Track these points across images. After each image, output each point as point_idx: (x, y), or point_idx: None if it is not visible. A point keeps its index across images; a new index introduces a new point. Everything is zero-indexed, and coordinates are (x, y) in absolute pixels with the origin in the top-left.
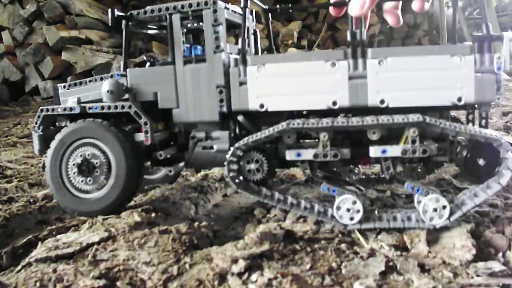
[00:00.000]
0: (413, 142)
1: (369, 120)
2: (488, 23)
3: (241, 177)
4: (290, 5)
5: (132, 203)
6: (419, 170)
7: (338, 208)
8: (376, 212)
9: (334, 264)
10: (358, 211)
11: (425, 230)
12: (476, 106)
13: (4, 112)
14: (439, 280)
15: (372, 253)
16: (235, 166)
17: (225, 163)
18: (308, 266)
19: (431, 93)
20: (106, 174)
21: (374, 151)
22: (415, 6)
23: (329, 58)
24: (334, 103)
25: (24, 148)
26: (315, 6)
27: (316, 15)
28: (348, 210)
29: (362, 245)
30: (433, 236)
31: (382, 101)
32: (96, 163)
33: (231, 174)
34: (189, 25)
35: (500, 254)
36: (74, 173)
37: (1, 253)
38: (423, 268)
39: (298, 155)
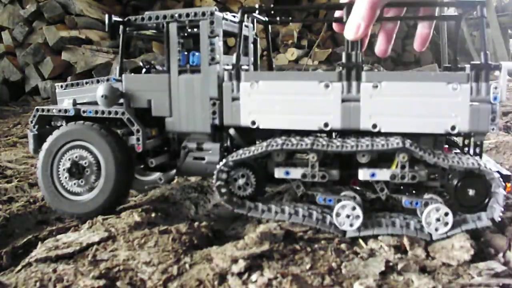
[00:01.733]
0: (403, 167)
1: (349, 143)
2: (486, 51)
3: (234, 198)
4: (290, 18)
5: (132, 203)
6: (413, 192)
7: (338, 214)
8: (375, 217)
9: (334, 264)
10: (357, 216)
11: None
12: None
13: (4, 112)
14: (439, 280)
15: (372, 253)
16: (224, 190)
17: (214, 188)
18: (308, 266)
19: (424, 120)
20: (96, 173)
21: (363, 174)
22: (416, 44)
23: (323, 79)
24: (326, 125)
25: (24, 148)
26: (314, 7)
27: (316, 15)
28: (348, 216)
29: (362, 245)
30: None
31: (374, 126)
32: (85, 163)
33: (224, 197)
34: (189, 30)
35: (500, 254)
36: (66, 177)
37: (1, 253)
38: (423, 269)
39: (287, 173)
